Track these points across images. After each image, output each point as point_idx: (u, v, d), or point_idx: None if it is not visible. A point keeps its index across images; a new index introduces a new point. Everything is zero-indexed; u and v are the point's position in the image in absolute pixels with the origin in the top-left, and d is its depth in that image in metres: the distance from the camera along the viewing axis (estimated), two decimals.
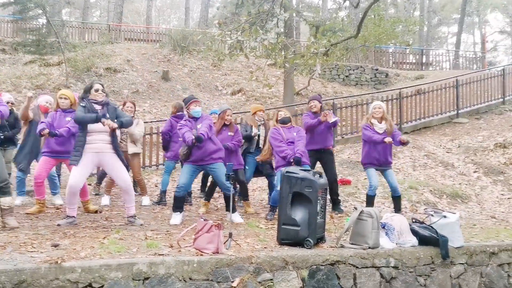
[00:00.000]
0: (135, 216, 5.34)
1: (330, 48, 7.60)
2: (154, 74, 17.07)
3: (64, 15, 39.88)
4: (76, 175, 5.00)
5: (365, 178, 8.67)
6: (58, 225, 4.96)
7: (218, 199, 7.55)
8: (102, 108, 5.12)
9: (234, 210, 5.63)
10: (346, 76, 19.58)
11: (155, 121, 12.23)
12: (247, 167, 6.82)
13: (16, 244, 3.97)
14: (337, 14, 19.97)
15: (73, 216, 5.10)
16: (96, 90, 5.14)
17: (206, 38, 13.76)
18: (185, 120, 5.80)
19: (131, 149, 6.89)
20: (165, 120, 12.23)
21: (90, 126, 5.00)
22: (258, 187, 8.55)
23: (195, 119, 5.74)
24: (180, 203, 5.65)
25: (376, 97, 12.73)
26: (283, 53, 8.56)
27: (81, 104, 5.09)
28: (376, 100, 12.20)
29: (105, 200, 6.75)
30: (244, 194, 6.70)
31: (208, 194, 6.73)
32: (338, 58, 8.97)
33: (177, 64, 18.32)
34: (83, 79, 15.40)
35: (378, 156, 6.22)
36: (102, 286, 3.51)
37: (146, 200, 6.95)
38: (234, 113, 11.30)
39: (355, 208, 4.83)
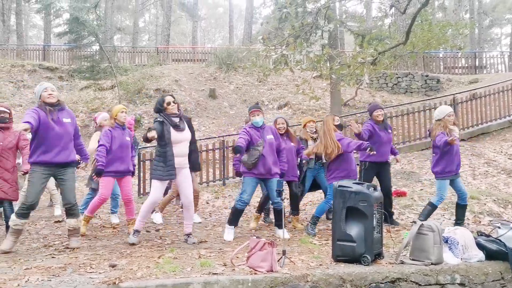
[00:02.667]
0: (191, 234, 5.35)
1: (377, 56, 7.40)
2: (201, 92, 17.39)
3: (116, 40, 41.75)
4: (158, 191, 5.13)
5: (421, 189, 8.32)
6: (133, 244, 5.06)
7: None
8: (180, 121, 5.19)
9: (280, 226, 5.57)
10: (395, 84, 19.06)
11: (203, 139, 12.39)
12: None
13: (75, 265, 4.07)
14: (383, 22, 19.54)
15: (139, 231, 5.23)
16: (168, 104, 5.16)
17: (251, 54, 13.88)
18: (250, 127, 5.81)
19: None
20: (213, 137, 12.44)
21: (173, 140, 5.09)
22: (309, 201, 8.40)
23: (260, 128, 5.75)
24: (238, 216, 5.68)
25: (428, 104, 12.25)
26: (328, 64, 8.45)
27: (158, 119, 5.11)
28: (429, 107, 11.78)
29: (157, 217, 6.80)
30: (294, 208, 6.56)
31: (260, 207, 6.65)
32: (386, 66, 8.69)
33: (223, 81, 18.59)
34: (134, 101, 15.94)
35: (457, 164, 5.94)
36: None
37: (196, 218, 6.95)
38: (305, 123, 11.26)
39: (414, 222, 4.60)
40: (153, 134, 4.84)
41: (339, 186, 4.47)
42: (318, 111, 16.40)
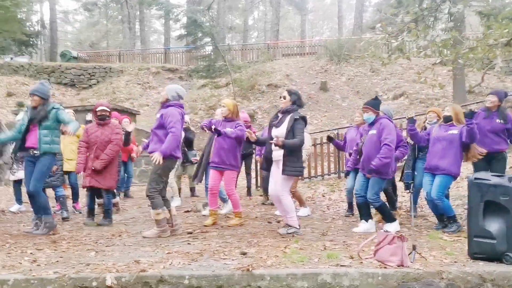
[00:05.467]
0: (289, 225, 5.36)
1: None
2: (312, 85, 17.39)
3: (227, 39, 43.59)
4: (273, 184, 5.34)
5: None
6: (290, 233, 5.25)
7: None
8: (283, 115, 5.32)
9: (390, 220, 5.42)
10: None
11: (316, 132, 12.38)
12: (416, 173, 6.30)
13: (210, 252, 4.35)
14: None
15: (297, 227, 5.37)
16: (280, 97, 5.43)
17: (366, 43, 13.50)
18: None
19: None
20: (328, 131, 12.32)
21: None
22: None
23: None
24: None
25: None
26: (454, 49, 7.85)
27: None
28: None
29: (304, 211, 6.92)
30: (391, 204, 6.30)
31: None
32: None
33: (334, 73, 18.36)
34: (248, 96, 16.49)
35: None
36: None
37: (303, 211, 6.93)
38: (397, 119, 10.81)
39: None
40: None
41: (475, 178, 4.14)
42: (439, 100, 15.42)
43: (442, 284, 3.69)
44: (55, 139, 5.40)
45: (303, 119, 5.29)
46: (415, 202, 6.48)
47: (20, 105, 17.70)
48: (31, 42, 30.63)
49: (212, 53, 18.68)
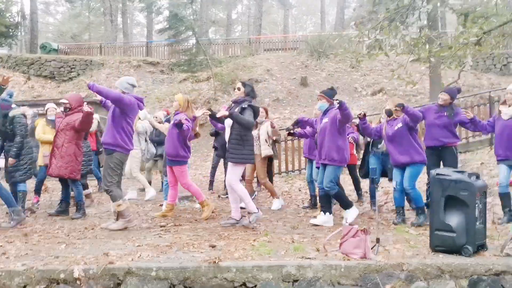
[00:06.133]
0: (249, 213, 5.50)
1: (482, 36, 6.88)
2: (293, 81, 17.50)
3: (210, 33, 43.35)
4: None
5: None
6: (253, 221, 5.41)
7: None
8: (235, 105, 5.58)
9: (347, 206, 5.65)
10: (504, 65, 17.48)
11: None
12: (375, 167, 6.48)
13: (180, 244, 4.43)
14: None
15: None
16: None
17: (344, 40, 13.64)
18: None
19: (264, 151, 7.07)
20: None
21: None
22: None
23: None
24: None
25: None
26: (427, 47, 8.02)
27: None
28: None
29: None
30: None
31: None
32: (493, 46, 8.03)
33: (315, 69, 18.50)
34: (228, 91, 16.53)
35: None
36: (255, 286, 3.71)
37: (276, 204, 7.04)
38: (375, 114, 10.97)
39: None
40: None
41: (437, 174, 4.30)
42: (416, 96, 15.68)
43: (402, 276, 3.84)
44: None
45: (252, 107, 5.41)
46: (374, 195, 6.67)
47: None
48: (10, 34, 30.05)
49: (193, 47, 18.64)
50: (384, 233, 5.10)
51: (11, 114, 6.07)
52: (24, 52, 30.80)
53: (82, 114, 5.92)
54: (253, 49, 22.92)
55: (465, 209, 4.12)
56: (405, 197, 5.93)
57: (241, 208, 5.66)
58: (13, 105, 6.29)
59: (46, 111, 7.18)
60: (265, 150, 7.07)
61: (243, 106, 5.35)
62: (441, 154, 5.93)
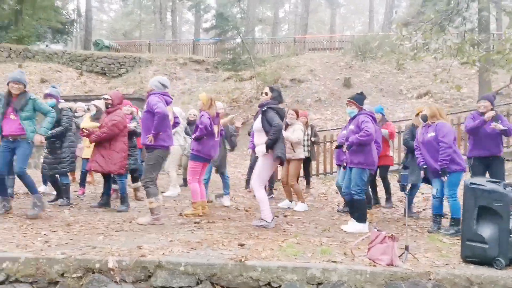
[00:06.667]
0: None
1: None
2: (336, 81, 17.36)
3: (257, 32, 43.59)
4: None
5: None
6: (259, 226, 5.50)
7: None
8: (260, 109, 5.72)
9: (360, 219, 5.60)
10: None
11: (336, 129, 12.40)
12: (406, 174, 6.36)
13: (210, 241, 4.57)
14: None
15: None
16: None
17: (389, 41, 13.42)
18: None
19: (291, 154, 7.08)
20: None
21: None
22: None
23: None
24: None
25: None
26: (474, 50, 7.77)
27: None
28: None
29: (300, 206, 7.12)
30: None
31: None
32: None
33: (359, 70, 18.25)
34: None
35: None
36: (280, 286, 3.78)
37: (300, 206, 7.07)
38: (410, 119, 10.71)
39: None
40: None
41: (471, 183, 4.20)
42: (464, 100, 15.15)
43: (429, 285, 3.80)
44: (35, 127, 5.61)
45: (272, 108, 5.47)
46: (410, 202, 6.57)
47: None
48: (66, 30, 31.60)
49: (237, 46, 18.88)
50: (416, 240, 5.04)
51: (60, 106, 6.51)
52: (79, 49, 32.28)
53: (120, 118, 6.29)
54: (298, 49, 22.89)
55: (499, 220, 4.01)
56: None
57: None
58: (61, 100, 6.72)
59: (90, 106, 7.53)
60: (289, 153, 6.99)
61: (263, 109, 5.49)
62: (489, 164, 5.82)
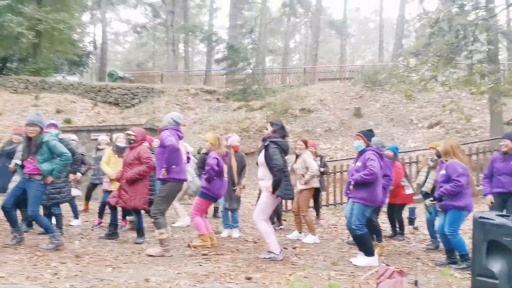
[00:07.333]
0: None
1: None
2: (346, 111, 17.44)
3: (268, 62, 44.26)
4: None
5: None
6: (268, 258, 5.46)
7: None
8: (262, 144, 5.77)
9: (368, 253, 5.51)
10: None
11: (346, 159, 12.39)
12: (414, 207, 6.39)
13: (217, 274, 4.57)
14: None
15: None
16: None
17: (396, 73, 13.54)
18: None
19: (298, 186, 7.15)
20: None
21: None
22: None
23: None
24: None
25: None
26: (484, 80, 7.83)
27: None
28: None
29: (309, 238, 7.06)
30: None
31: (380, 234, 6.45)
32: None
33: (369, 100, 18.34)
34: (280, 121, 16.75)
35: None
36: None
37: (310, 238, 7.02)
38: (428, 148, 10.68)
39: None
40: None
41: (480, 217, 4.17)
42: (476, 130, 15.07)
43: None
44: (54, 167, 5.61)
45: (274, 142, 5.48)
46: (432, 235, 6.50)
47: (68, 121, 18.78)
48: (82, 62, 32.47)
49: (247, 77, 19.21)
50: (427, 275, 4.97)
51: (60, 136, 6.68)
52: (94, 79, 33.02)
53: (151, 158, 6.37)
54: (308, 79, 23.15)
55: (509, 255, 3.95)
56: None
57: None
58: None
59: (116, 138, 7.62)
60: (300, 184, 7.13)
61: (265, 144, 5.54)
62: (506, 200, 5.87)
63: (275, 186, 5.38)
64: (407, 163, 10.07)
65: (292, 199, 6.49)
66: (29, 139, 5.61)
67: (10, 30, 23.00)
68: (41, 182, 5.57)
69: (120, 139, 7.42)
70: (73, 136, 8.63)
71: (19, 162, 5.87)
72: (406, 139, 14.79)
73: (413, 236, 7.49)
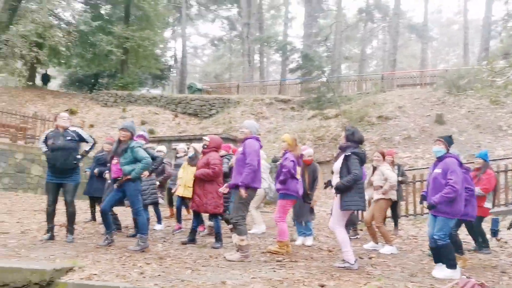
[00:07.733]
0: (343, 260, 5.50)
1: None
2: (426, 118, 16.72)
3: (344, 68, 43.70)
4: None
5: None
6: (342, 267, 5.45)
7: None
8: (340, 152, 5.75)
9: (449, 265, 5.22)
10: None
11: (426, 168, 11.87)
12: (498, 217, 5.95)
13: (291, 280, 4.64)
14: None
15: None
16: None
17: (479, 78, 12.76)
18: None
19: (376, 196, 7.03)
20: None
21: None
22: None
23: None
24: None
25: None
26: None
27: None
28: None
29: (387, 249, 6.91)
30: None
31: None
32: None
33: (452, 105, 17.43)
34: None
35: None
36: None
37: (387, 249, 6.81)
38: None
39: None
40: None
41: None
42: None
43: None
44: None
45: (356, 154, 5.40)
46: None
47: (151, 132, 19.96)
48: (164, 76, 34.40)
49: (321, 85, 19.12)
50: None
51: (144, 146, 7.18)
52: (175, 92, 34.79)
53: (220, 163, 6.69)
54: (385, 85, 22.53)
55: None
56: None
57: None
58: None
59: (188, 150, 8.15)
60: (377, 195, 7.06)
61: (347, 154, 5.46)
62: None
63: (341, 188, 5.35)
64: (496, 171, 9.45)
65: (363, 210, 6.41)
66: (119, 141, 6.22)
67: (102, 48, 25.08)
68: (132, 180, 6.09)
69: (181, 151, 8.29)
70: (161, 147, 9.28)
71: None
72: (495, 147, 13.82)
73: (501, 250, 7.02)
